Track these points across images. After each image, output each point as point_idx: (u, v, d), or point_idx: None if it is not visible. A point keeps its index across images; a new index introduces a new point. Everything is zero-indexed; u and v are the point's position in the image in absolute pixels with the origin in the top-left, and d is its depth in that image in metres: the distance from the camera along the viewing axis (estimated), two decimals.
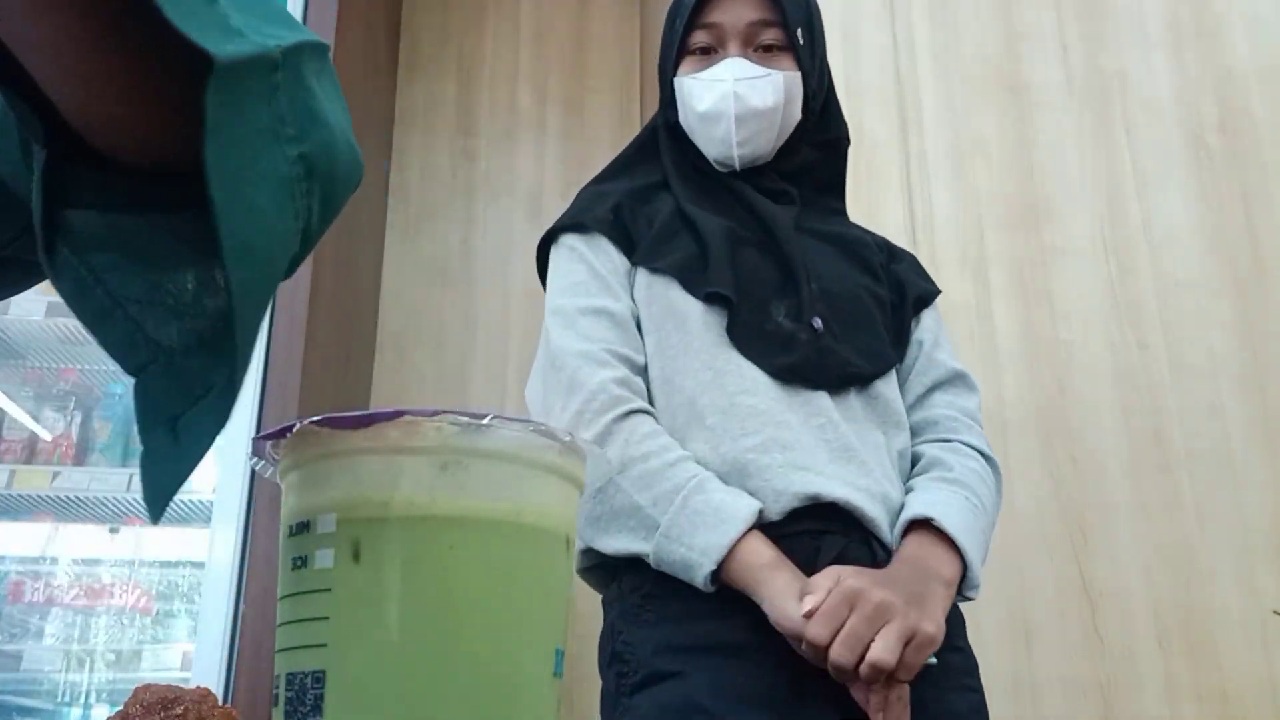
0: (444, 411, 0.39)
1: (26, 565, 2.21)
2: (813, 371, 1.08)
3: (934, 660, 0.91)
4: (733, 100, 1.15)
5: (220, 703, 0.42)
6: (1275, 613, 1.72)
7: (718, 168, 1.20)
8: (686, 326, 1.09)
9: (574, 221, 1.17)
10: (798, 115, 1.19)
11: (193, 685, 0.44)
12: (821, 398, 1.07)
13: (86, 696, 2.06)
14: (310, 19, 2.18)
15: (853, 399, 1.10)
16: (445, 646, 0.38)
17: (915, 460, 1.14)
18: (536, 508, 0.40)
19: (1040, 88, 2.05)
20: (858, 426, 1.09)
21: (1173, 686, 1.69)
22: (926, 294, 1.25)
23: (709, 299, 1.09)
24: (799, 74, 1.18)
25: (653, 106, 2.77)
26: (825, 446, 1.04)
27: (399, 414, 0.38)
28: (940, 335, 1.24)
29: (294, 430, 0.39)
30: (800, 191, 1.23)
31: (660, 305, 1.11)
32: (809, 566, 0.96)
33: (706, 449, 1.03)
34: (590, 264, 1.14)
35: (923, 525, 1.02)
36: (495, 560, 0.39)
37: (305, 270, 2.02)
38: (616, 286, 1.13)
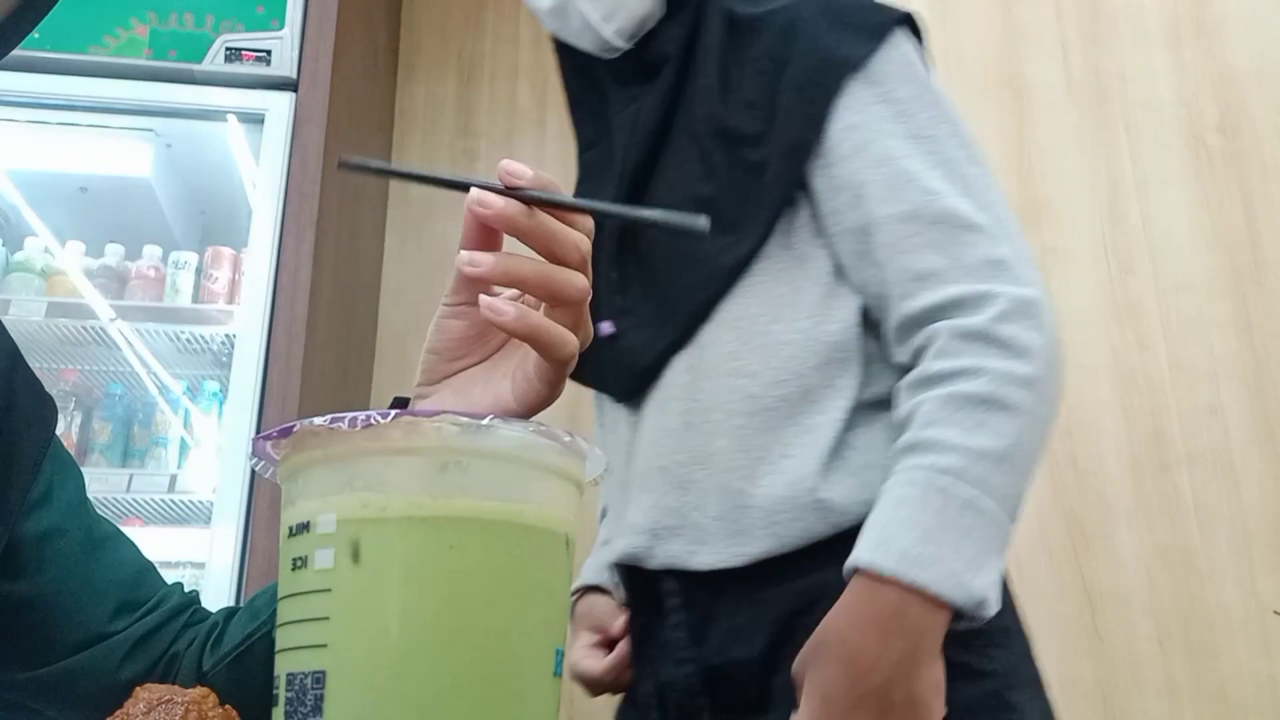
0: (444, 412, 0.39)
1: None
2: (612, 383, 0.92)
3: None
4: None
5: (220, 703, 0.42)
6: (1275, 613, 1.72)
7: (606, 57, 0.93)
8: None
9: None
10: None
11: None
12: (626, 413, 0.90)
13: None
14: (310, 19, 2.18)
15: (674, 380, 0.86)
16: (445, 646, 0.38)
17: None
18: (536, 508, 0.40)
19: (1040, 88, 2.05)
20: (679, 409, 0.84)
21: (1173, 687, 1.69)
22: (801, 142, 0.83)
23: None
24: None
25: None
26: (630, 481, 0.88)
27: (399, 414, 0.38)
28: (863, 190, 0.81)
29: (294, 430, 0.39)
30: (693, 55, 0.90)
31: None
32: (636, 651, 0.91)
33: None
34: None
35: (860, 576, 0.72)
36: (495, 560, 0.39)
37: (305, 270, 2.02)
38: None
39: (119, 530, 0.69)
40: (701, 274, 0.85)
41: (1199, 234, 1.98)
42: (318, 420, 0.39)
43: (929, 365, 0.76)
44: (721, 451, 0.82)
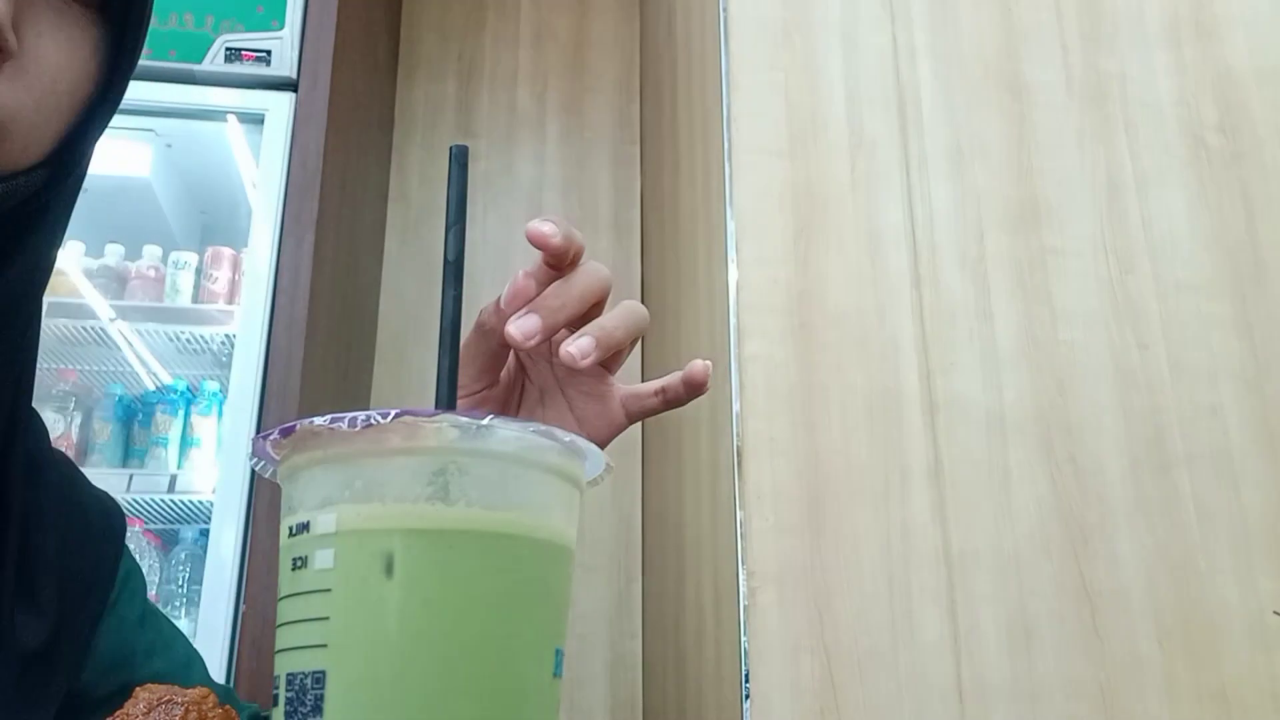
0: (444, 412, 0.39)
1: None
2: None
3: None
4: None
5: (220, 703, 0.42)
6: (1275, 613, 1.72)
7: None
8: None
9: None
10: None
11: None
12: None
13: None
14: (310, 19, 2.18)
15: None
16: (445, 647, 0.38)
17: None
18: (536, 508, 0.40)
19: (1040, 88, 2.05)
20: None
21: (1173, 687, 1.69)
22: None
23: None
24: None
25: (652, 107, 2.77)
26: None
27: (399, 414, 0.38)
28: None
29: (294, 430, 0.39)
30: None
31: None
32: None
33: None
34: None
35: None
36: (495, 560, 0.39)
37: (305, 270, 2.02)
38: None
39: (174, 628, 0.68)
40: None
41: (1199, 234, 1.98)
42: (318, 420, 0.39)
43: None
44: None
